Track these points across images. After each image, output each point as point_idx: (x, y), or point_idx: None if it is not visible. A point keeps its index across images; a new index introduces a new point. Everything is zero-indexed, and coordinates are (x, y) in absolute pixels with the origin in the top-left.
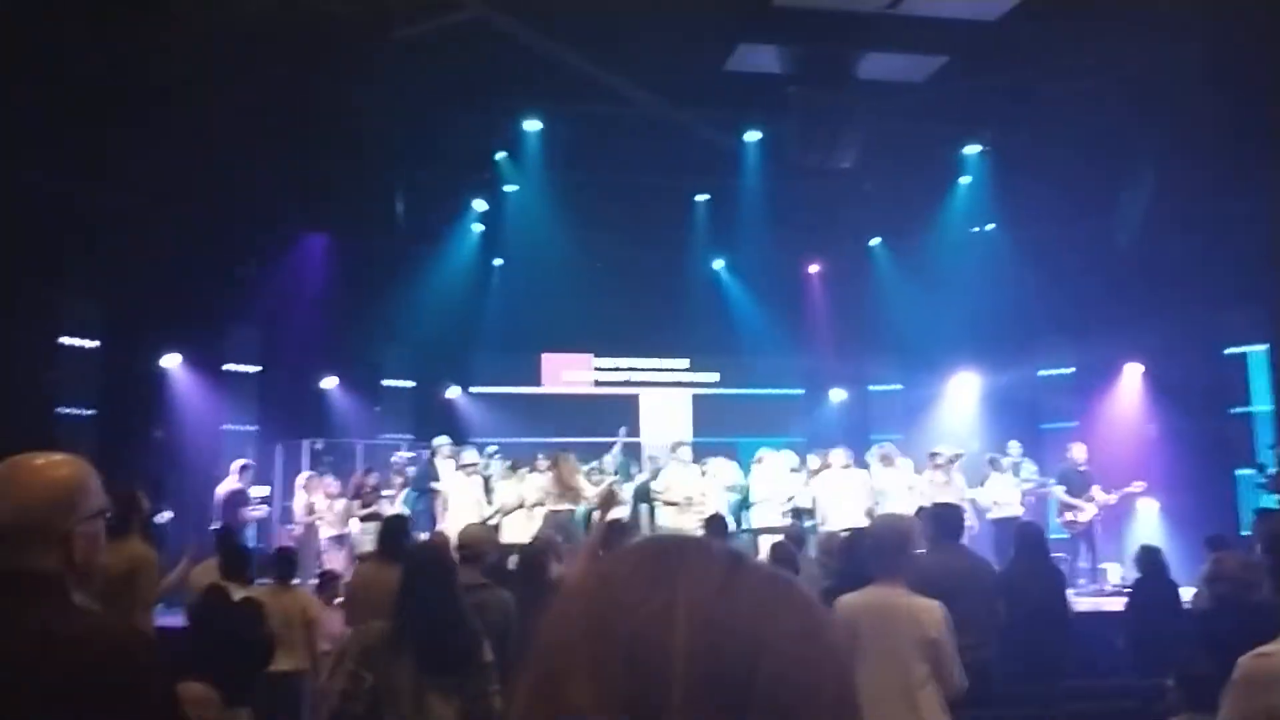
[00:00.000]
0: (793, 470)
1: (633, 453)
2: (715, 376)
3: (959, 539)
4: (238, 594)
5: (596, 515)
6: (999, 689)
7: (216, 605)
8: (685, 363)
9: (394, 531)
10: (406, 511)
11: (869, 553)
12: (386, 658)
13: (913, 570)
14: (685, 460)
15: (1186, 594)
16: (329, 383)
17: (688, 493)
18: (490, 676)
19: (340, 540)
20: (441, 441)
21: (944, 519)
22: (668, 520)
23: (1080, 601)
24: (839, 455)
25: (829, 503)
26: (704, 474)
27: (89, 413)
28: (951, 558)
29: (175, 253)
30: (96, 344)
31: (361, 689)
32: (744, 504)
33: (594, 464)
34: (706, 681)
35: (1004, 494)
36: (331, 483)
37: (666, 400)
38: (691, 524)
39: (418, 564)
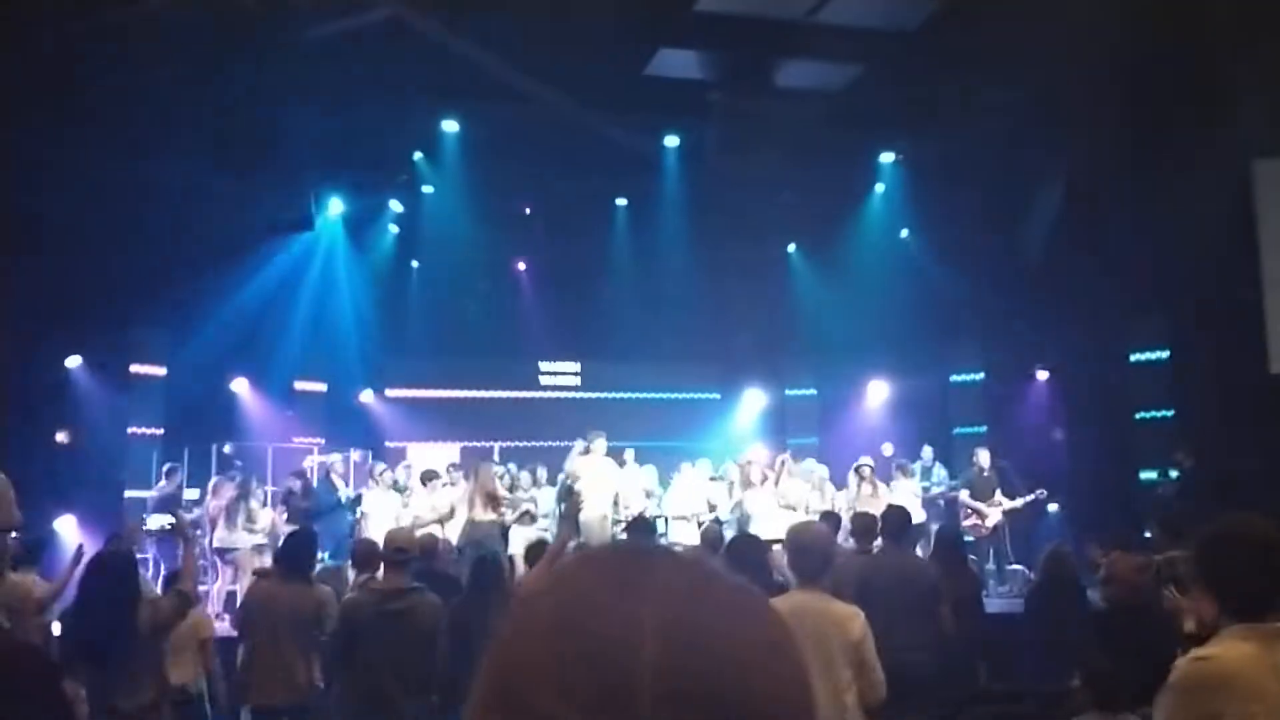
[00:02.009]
0: (711, 479)
1: (540, 456)
2: (630, 380)
3: (903, 542)
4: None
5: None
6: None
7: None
8: (601, 366)
9: (298, 547)
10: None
11: (791, 558)
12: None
13: (833, 575)
14: (601, 452)
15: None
16: (239, 385)
17: (609, 488)
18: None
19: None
20: (336, 459)
21: (890, 522)
22: (592, 516)
23: (988, 604)
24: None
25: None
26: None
27: None
28: (896, 560)
29: (78, 253)
30: None
31: None
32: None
33: (503, 469)
34: (675, 691)
35: (908, 500)
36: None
37: (586, 404)
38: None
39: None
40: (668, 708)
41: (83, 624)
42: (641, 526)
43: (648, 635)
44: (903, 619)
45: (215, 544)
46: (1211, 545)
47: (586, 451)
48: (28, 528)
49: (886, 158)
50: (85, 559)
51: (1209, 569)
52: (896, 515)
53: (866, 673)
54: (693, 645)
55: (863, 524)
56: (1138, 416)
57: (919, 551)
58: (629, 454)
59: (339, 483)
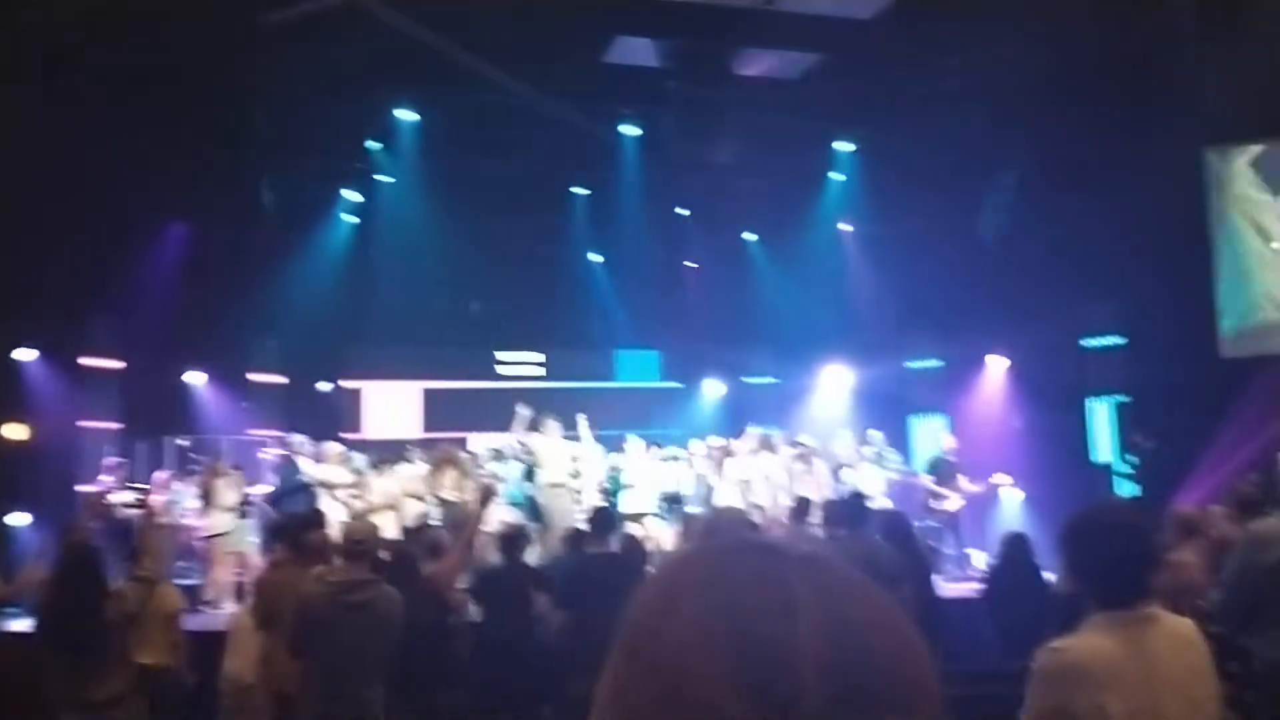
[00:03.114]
0: (666, 460)
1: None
2: (591, 369)
3: (858, 527)
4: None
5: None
6: None
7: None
8: (558, 355)
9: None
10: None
11: (701, 540)
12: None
13: None
14: (554, 433)
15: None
16: (194, 377)
17: (567, 468)
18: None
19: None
20: (300, 439)
21: (842, 508)
22: (549, 500)
23: (946, 588)
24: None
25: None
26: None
27: None
28: (850, 545)
29: (29, 241)
30: None
31: None
32: (615, 490)
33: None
34: (836, 679)
35: (874, 483)
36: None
37: (549, 394)
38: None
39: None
40: (833, 689)
41: (53, 618)
42: (604, 521)
43: (804, 628)
44: None
45: (207, 532)
46: (1075, 533)
47: (534, 428)
48: None
49: (844, 146)
50: (44, 556)
51: (1070, 556)
52: (850, 503)
53: None
54: (842, 630)
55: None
56: (1092, 402)
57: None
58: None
59: (305, 464)
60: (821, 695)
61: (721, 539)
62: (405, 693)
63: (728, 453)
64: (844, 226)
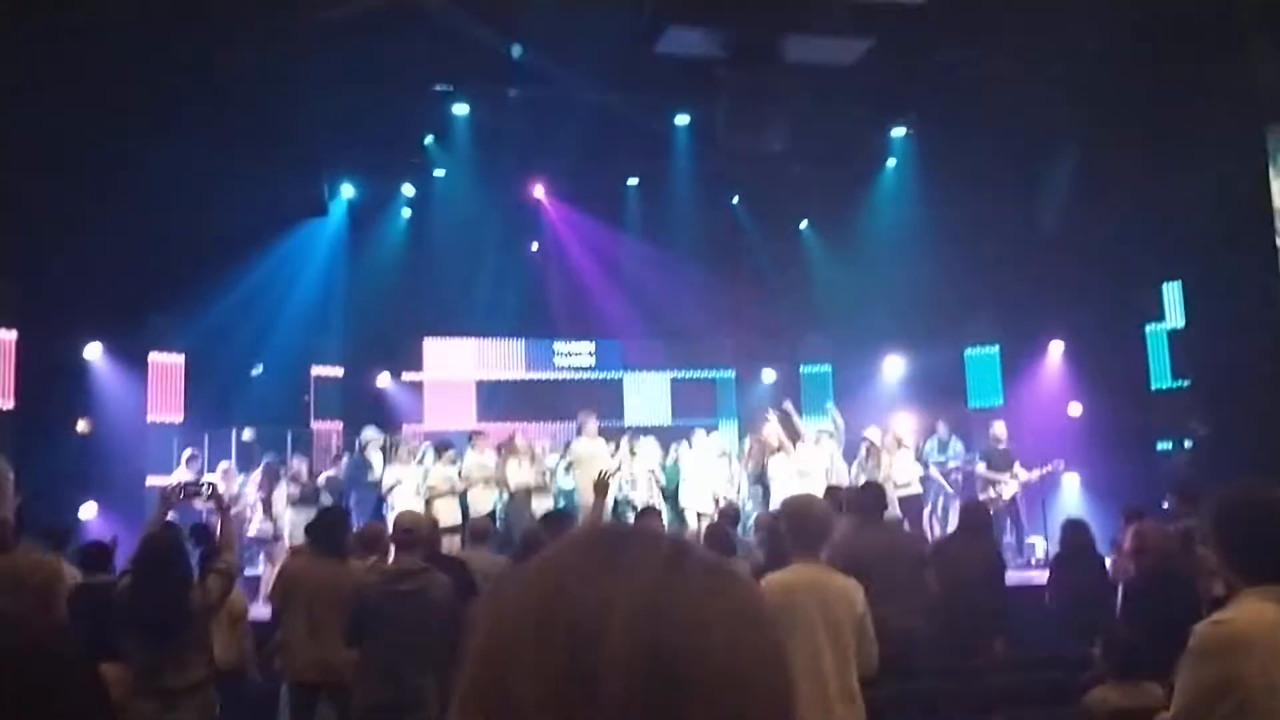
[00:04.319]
0: (722, 455)
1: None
2: (644, 359)
3: (880, 515)
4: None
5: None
6: (928, 660)
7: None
8: (615, 346)
9: (331, 525)
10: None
11: (788, 532)
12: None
13: (833, 547)
14: (592, 434)
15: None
16: (256, 371)
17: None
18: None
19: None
20: (370, 433)
21: (865, 497)
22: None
23: (1007, 575)
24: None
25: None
26: (633, 454)
27: (8, 406)
28: (874, 532)
29: (95, 242)
30: (13, 335)
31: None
32: (674, 484)
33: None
34: (643, 675)
35: (908, 472)
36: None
37: (601, 384)
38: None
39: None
40: (637, 687)
41: (137, 606)
42: (650, 517)
43: (617, 618)
44: (892, 588)
45: (254, 534)
46: (1223, 511)
47: (579, 433)
48: (55, 514)
49: (898, 132)
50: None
51: (1222, 535)
52: (871, 492)
53: (866, 644)
54: (662, 624)
55: (873, 496)
56: (1154, 387)
57: (930, 523)
58: (624, 439)
59: (375, 459)
60: (624, 682)
61: (583, 528)
62: None
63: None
64: (899, 212)
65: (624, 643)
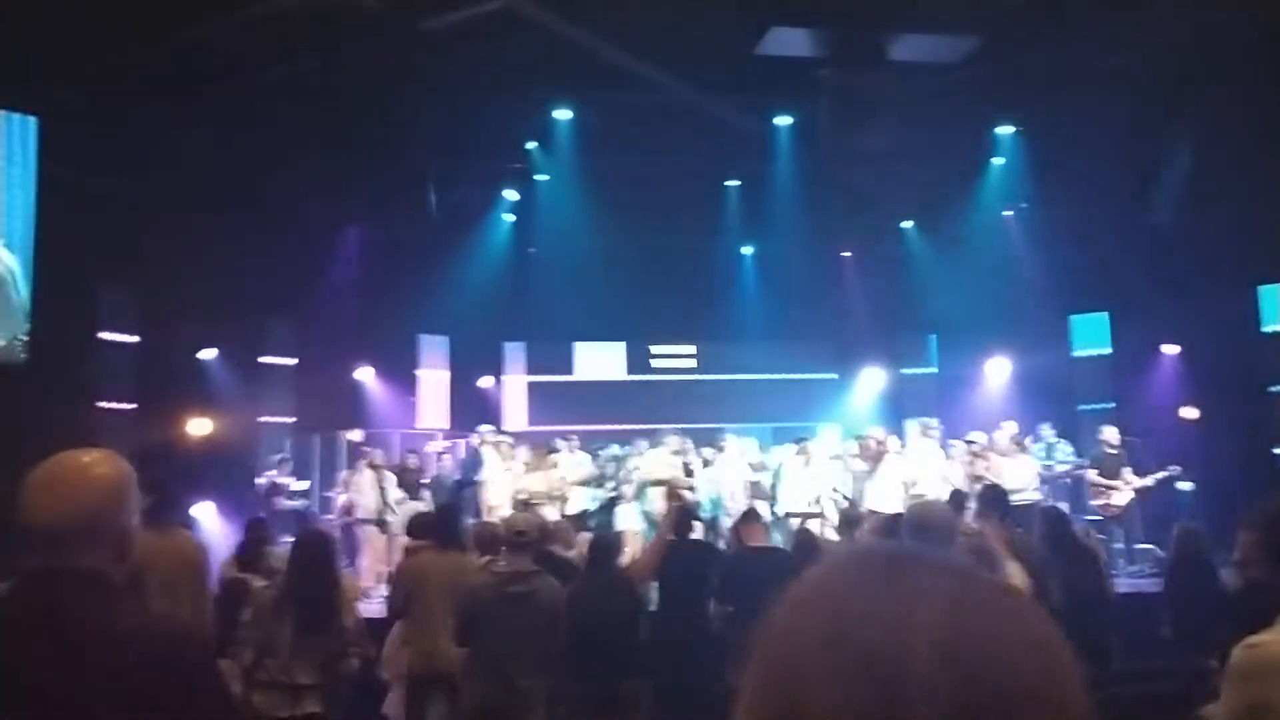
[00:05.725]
0: (833, 458)
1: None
2: (746, 361)
3: (1003, 518)
4: (256, 584)
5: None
6: None
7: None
8: (716, 348)
9: (450, 520)
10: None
11: (910, 537)
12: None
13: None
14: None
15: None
16: (364, 374)
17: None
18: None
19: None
20: (487, 430)
21: (988, 499)
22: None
23: (1119, 584)
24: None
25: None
26: (720, 450)
27: (129, 406)
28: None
29: (211, 249)
30: (136, 339)
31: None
32: (773, 486)
33: (607, 450)
34: (949, 695)
35: (1029, 476)
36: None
37: (702, 386)
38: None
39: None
40: (945, 706)
41: (294, 603)
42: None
43: (921, 644)
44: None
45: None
46: (1274, 521)
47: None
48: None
49: (1004, 130)
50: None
51: (1274, 545)
52: (994, 493)
53: None
54: (965, 653)
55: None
56: (1271, 390)
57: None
58: (729, 439)
59: (490, 455)
60: (935, 711)
61: (857, 547)
62: (586, 679)
63: (891, 448)
64: (1006, 212)
65: (931, 668)
